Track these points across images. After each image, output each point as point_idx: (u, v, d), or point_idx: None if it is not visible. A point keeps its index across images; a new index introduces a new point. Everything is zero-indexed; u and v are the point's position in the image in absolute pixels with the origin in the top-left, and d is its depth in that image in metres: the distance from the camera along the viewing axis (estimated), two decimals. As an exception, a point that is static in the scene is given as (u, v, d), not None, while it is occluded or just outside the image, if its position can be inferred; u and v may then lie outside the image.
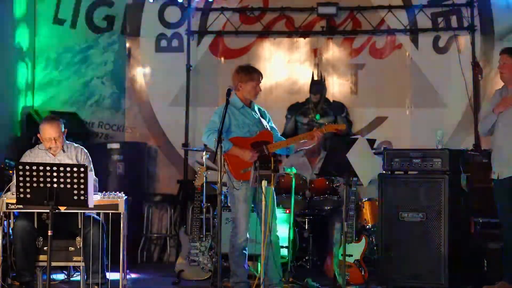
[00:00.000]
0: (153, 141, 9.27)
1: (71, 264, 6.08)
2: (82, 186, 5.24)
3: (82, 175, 5.24)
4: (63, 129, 6.19)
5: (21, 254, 5.88)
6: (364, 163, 5.85)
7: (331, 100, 8.93)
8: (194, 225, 7.23)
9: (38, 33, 9.24)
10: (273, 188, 5.94)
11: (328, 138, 7.42)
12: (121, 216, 5.75)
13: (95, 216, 5.95)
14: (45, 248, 5.76)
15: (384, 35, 8.97)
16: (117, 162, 8.61)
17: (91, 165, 6.17)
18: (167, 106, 9.29)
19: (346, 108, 8.86)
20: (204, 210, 7.44)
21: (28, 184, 5.22)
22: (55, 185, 5.21)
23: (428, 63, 8.86)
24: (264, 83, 6.29)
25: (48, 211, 5.28)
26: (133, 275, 7.40)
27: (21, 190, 5.25)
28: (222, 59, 9.24)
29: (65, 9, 9.26)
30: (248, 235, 6.11)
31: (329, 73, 9.07)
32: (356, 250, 6.78)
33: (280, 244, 6.35)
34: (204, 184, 7.31)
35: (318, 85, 8.90)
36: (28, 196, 5.25)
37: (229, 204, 6.30)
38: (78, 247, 5.90)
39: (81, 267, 5.97)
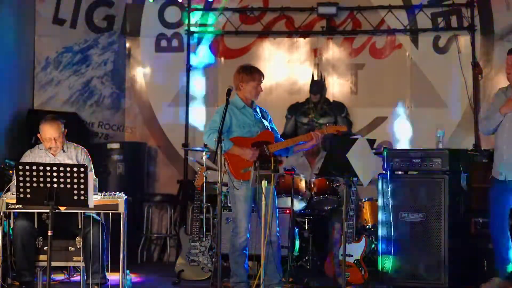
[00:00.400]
0: (153, 141, 9.28)
1: (71, 264, 6.07)
2: (82, 186, 5.24)
3: (82, 175, 5.24)
4: (63, 129, 6.19)
5: (21, 254, 5.87)
6: (364, 163, 5.85)
7: (331, 100, 8.93)
8: (194, 225, 7.23)
9: (38, 33, 9.24)
10: (274, 189, 5.94)
11: (328, 138, 7.41)
12: (121, 216, 5.75)
13: (95, 216, 5.95)
14: (45, 248, 5.76)
15: (384, 35, 8.97)
16: (117, 162, 8.62)
17: (91, 165, 6.17)
18: (167, 106, 9.29)
19: (346, 108, 8.86)
20: (204, 210, 7.44)
21: (28, 184, 5.22)
22: (55, 185, 5.21)
23: (428, 63, 8.86)
24: (264, 83, 6.28)
25: (48, 211, 5.28)
26: (133, 275, 7.39)
27: (21, 190, 5.25)
28: (222, 59, 9.24)
29: (65, 9, 9.26)
30: (248, 235, 6.11)
31: (329, 73, 9.08)
32: (356, 250, 6.78)
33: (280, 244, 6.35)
34: (204, 184, 7.31)
35: (318, 85, 8.90)
36: (28, 196, 5.25)
37: (229, 204, 6.30)
38: (78, 247, 5.90)
39: (81, 267, 5.96)
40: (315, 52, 9.11)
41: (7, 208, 5.66)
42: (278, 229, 6.18)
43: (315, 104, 8.80)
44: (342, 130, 6.33)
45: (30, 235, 5.87)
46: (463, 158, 6.74)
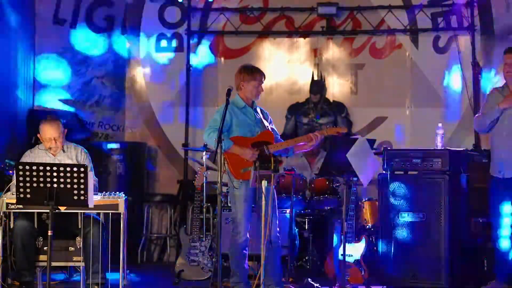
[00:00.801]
0: (153, 141, 9.28)
1: (71, 264, 6.07)
2: (82, 186, 5.24)
3: (82, 175, 5.24)
4: (63, 129, 6.19)
5: (21, 254, 5.87)
6: (364, 163, 5.85)
7: (331, 100, 8.93)
8: (194, 225, 7.23)
9: (38, 33, 9.24)
10: (274, 189, 5.94)
11: (328, 138, 7.41)
12: (121, 216, 5.75)
13: (95, 216, 5.95)
14: (45, 248, 5.76)
15: (384, 35, 8.97)
16: (117, 162, 8.62)
17: (91, 165, 6.17)
18: (167, 106, 9.30)
19: (346, 108, 8.86)
20: (204, 210, 7.44)
21: (28, 184, 5.22)
22: (55, 185, 5.21)
23: (428, 63, 8.86)
24: (264, 83, 6.28)
25: (48, 211, 5.28)
26: (133, 275, 7.39)
27: (21, 190, 5.25)
28: (222, 59, 9.24)
29: (65, 9, 9.26)
30: (248, 235, 6.11)
31: (329, 73, 9.08)
32: (356, 250, 6.78)
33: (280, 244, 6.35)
34: (204, 184, 7.31)
35: (318, 85, 8.90)
36: (28, 196, 5.25)
37: (229, 204, 6.30)
38: (78, 247, 5.90)
39: (81, 267, 5.96)
40: (315, 52, 9.11)
41: (7, 208, 5.66)
42: (278, 229, 6.18)
43: (315, 104, 8.80)
44: (342, 131, 6.32)
45: (30, 235, 5.88)
46: (463, 158, 6.73)
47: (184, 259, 7.21)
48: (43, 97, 9.21)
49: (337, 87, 9.06)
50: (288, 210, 7.25)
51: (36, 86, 9.22)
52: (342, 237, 6.12)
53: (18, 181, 5.26)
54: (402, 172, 6.67)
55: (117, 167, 8.60)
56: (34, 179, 5.21)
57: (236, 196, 6.07)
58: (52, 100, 9.21)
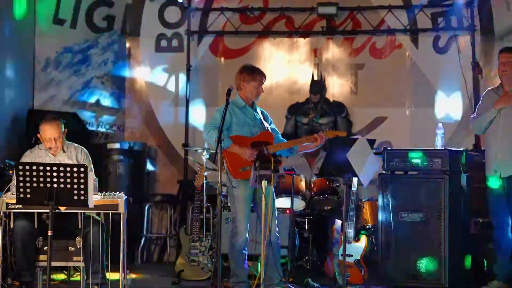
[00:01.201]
0: (153, 141, 9.28)
1: (71, 264, 6.07)
2: (82, 186, 5.24)
3: (82, 175, 5.24)
4: (63, 129, 6.19)
5: (21, 254, 5.87)
6: (364, 163, 5.85)
7: (331, 100, 8.93)
8: (194, 225, 7.23)
9: (38, 33, 9.24)
10: (273, 188, 5.95)
11: (328, 139, 7.42)
12: (121, 216, 5.75)
13: (95, 216, 5.95)
14: (45, 248, 5.76)
15: (384, 35, 8.97)
16: (117, 162, 8.62)
17: (91, 165, 6.17)
18: (167, 106, 9.30)
19: (346, 108, 8.85)
20: (204, 210, 7.44)
21: (28, 184, 5.22)
22: (55, 185, 5.21)
23: (428, 63, 8.86)
24: (264, 83, 6.29)
25: (48, 211, 5.28)
26: (133, 275, 7.39)
27: (21, 190, 5.25)
28: (222, 59, 9.25)
29: (65, 9, 9.26)
30: (247, 235, 6.11)
31: (329, 73, 9.08)
32: (356, 250, 6.78)
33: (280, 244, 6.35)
34: (204, 184, 7.31)
35: (318, 85, 8.89)
36: (28, 196, 5.25)
37: (229, 204, 6.30)
38: (78, 247, 5.90)
39: (81, 267, 5.96)
40: (315, 52, 9.11)
41: (7, 208, 5.65)
42: (277, 229, 6.18)
43: (315, 104, 8.79)
44: (341, 135, 6.30)
45: (30, 235, 5.87)
46: (463, 158, 6.74)
47: (184, 259, 7.21)
48: (43, 97, 9.21)
49: (337, 87, 9.06)
50: (288, 210, 7.25)
51: (36, 86, 9.22)
52: (342, 237, 6.11)
53: (18, 181, 5.26)
54: (402, 172, 6.67)
55: (117, 167, 8.60)
56: (34, 179, 5.21)
57: (235, 196, 6.07)
58: (52, 100, 9.21)
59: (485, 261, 6.81)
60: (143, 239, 8.74)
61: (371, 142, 6.06)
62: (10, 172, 7.14)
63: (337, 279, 6.65)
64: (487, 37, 8.68)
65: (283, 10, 9.08)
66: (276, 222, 6.16)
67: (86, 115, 9.26)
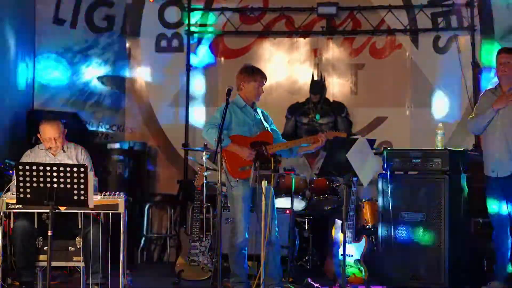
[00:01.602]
0: (153, 141, 9.28)
1: (71, 264, 6.06)
2: (82, 186, 5.24)
3: (82, 175, 5.23)
4: (63, 129, 6.19)
5: (21, 254, 5.87)
6: (364, 163, 5.84)
7: (331, 100, 8.93)
8: (194, 225, 7.23)
9: (38, 33, 9.24)
10: (272, 188, 5.94)
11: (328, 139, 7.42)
12: (121, 216, 5.75)
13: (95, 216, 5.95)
14: (45, 248, 5.76)
15: (384, 35, 8.97)
16: (117, 162, 8.62)
17: (91, 165, 6.17)
18: (167, 106, 9.30)
19: (346, 108, 8.85)
20: (204, 210, 7.44)
21: (28, 184, 5.22)
22: (55, 185, 5.21)
23: (428, 63, 8.86)
24: (265, 84, 6.29)
25: (48, 211, 5.28)
26: (133, 275, 7.38)
27: (21, 190, 5.24)
28: (222, 59, 9.24)
29: (65, 9, 9.26)
30: (247, 235, 6.11)
31: (329, 73, 9.07)
32: (356, 250, 6.78)
33: (280, 244, 6.35)
34: (204, 184, 7.31)
35: (318, 85, 8.89)
36: (28, 196, 5.25)
37: (229, 204, 6.30)
38: (78, 247, 5.90)
39: (81, 267, 5.96)
40: (315, 52, 9.11)
41: (7, 208, 5.65)
42: (277, 229, 6.18)
43: (315, 104, 8.79)
44: (341, 136, 6.30)
45: (30, 235, 5.87)
46: (463, 158, 6.74)
47: (184, 259, 7.21)
48: (43, 97, 9.21)
49: (337, 87, 9.06)
50: (288, 210, 7.24)
51: (36, 86, 9.22)
52: (342, 237, 6.11)
53: (18, 181, 5.25)
54: (402, 172, 6.67)
55: (117, 167, 8.60)
56: (34, 179, 5.20)
57: (234, 196, 6.07)
58: (52, 100, 9.21)
59: (485, 261, 6.80)
60: (143, 239, 8.73)
61: (371, 142, 6.05)
62: (10, 172, 7.14)
63: (337, 279, 6.65)
64: (487, 37, 8.67)
65: (283, 10, 9.08)
66: (276, 222, 6.16)
67: (86, 115, 9.26)
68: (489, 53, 8.55)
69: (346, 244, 6.06)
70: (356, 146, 5.81)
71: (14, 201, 5.49)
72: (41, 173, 5.20)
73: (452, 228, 6.38)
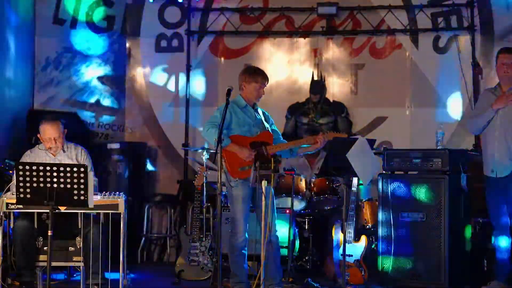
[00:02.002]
0: (153, 141, 9.28)
1: (71, 264, 6.06)
2: (82, 186, 5.24)
3: (82, 175, 5.24)
4: (63, 129, 6.19)
5: (21, 254, 5.88)
6: (364, 163, 5.85)
7: (331, 100, 8.92)
8: (194, 225, 7.23)
9: (38, 33, 9.24)
10: (272, 189, 5.94)
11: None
12: (121, 216, 5.75)
13: (95, 216, 5.95)
14: (45, 248, 5.76)
15: (384, 35, 8.97)
16: (117, 162, 8.62)
17: (91, 165, 6.17)
18: (167, 106, 9.30)
19: (346, 108, 8.85)
20: (204, 210, 7.44)
21: (28, 184, 5.22)
22: (55, 185, 5.21)
23: (428, 63, 8.86)
24: (266, 85, 6.30)
25: (48, 211, 5.28)
26: (133, 275, 7.39)
27: (21, 190, 5.24)
28: (222, 59, 9.24)
29: (65, 9, 9.26)
30: (247, 235, 6.11)
31: (329, 73, 9.07)
32: (356, 250, 6.78)
33: (280, 244, 6.35)
34: (204, 184, 7.31)
35: (318, 85, 8.89)
36: (28, 196, 5.25)
37: (229, 204, 6.30)
38: (78, 247, 5.90)
39: (81, 267, 5.96)
40: (315, 52, 9.11)
41: (7, 208, 5.66)
42: (277, 229, 6.18)
43: (315, 104, 8.79)
44: (343, 137, 6.29)
45: (30, 235, 5.88)
46: (463, 158, 6.74)
47: (184, 259, 7.21)
48: (43, 97, 9.21)
49: (337, 87, 9.06)
50: (288, 210, 7.25)
51: (36, 86, 9.22)
52: (342, 237, 6.11)
53: (18, 181, 5.26)
54: (402, 172, 6.67)
55: (117, 167, 8.60)
56: (34, 179, 5.21)
57: (234, 196, 6.07)
58: (52, 100, 9.21)
59: (485, 261, 6.80)
60: (143, 239, 8.73)
61: (371, 142, 6.05)
62: (10, 172, 7.14)
63: (337, 279, 6.65)
64: (487, 37, 8.67)
65: (283, 10, 9.08)
66: (276, 222, 6.16)
67: (86, 115, 9.26)
68: (489, 53, 8.56)
69: (346, 244, 6.06)
70: (356, 146, 5.81)
71: (14, 201, 5.49)
72: (41, 173, 5.20)
73: (452, 228, 6.38)
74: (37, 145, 6.29)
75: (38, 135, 6.19)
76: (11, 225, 5.90)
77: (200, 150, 7.72)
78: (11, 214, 5.83)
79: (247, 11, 9.15)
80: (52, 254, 5.31)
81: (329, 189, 7.66)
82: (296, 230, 7.44)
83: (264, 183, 5.73)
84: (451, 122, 8.67)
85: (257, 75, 6.22)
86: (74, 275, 6.75)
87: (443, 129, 6.82)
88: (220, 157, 5.69)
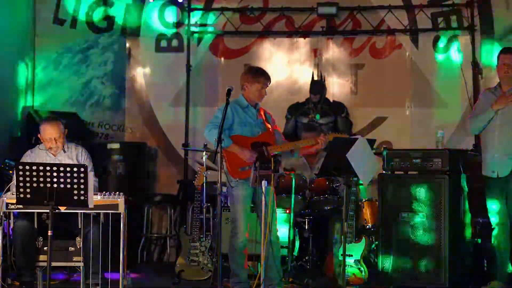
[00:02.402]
0: (153, 141, 9.28)
1: (71, 264, 6.06)
2: (82, 186, 5.23)
3: (82, 175, 5.23)
4: (63, 129, 6.19)
5: (21, 254, 5.87)
6: (364, 163, 5.85)
7: (331, 100, 8.92)
8: (194, 225, 7.23)
9: (38, 33, 9.24)
10: (273, 189, 5.95)
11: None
12: (121, 216, 5.75)
13: (95, 216, 5.95)
14: (45, 248, 5.76)
15: (384, 35, 8.97)
16: (117, 162, 8.61)
17: (92, 165, 6.17)
18: (167, 106, 9.30)
19: (346, 108, 8.84)
20: (204, 210, 7.44)
21: (28, 184, 5.21)
22: (55, 185, 5.21)
23: (428, 63, 8.86)
24: (268, 86, 6.30)
25: (48, 211, 5.28)
26: (133, 275, 7.39)
27: (21, 190, 5.24)
28: (222, 59, 9.24)
29: (65, 9, 9.26)
30: (247, 235, 6.11)
31: (329, 73, 9.07)
32: (356, 250, 6.78)
33: (280, 244, 6.35)
34: (204, 184, 7.31)
35: (318, 85, 8.88)
36: (28, 196, 5.24)
37: (229, 204, 6.30)
38: (78, 247, 5.90)
39: (81, 267, 5.96)
40: (315, 52, 9.11)
41: (7, 208, 5.65)
42: (277, 229, 6.18)
43: (315, 104, 8.78)
44: (342, 137, 6.29)
45: (30, 235, 5.87)
46: (463, 158, 6.74)
47: (184, 259, 7.21)
48: (43, 97, 9.21)
49: (337, 87, 9.06)
50: (288, 210, 7.24)
51: (36, 86, 9.22)
52: (342, 237, 6.11)
53: (18, 181, 5.25)
54: (402, 172, 6.67)
55: (117, 167, 8.60)
56: (34, 179, 5.20)
57: (234, 196, 6.07)
58: (52, 100, 9.21)
59: (485, 261, 6.80)
60: (143, 239, 8.73)
61: (371, 142, 6.06)
62: (10, 172, 7.14)
63: (337, 279, 6.65)
64: (487, 37, 8.68)
65: (283, 10, 9.08)
66: (276, 222, 6.16)
67: (86, 115, 9.26)
68: (489, 53, 8.56)
69: (346, 244, 6.06)
70: (356, 146, 5.81)
71: (14, 201, 5.48)
72: (41, 173, 5.19)
73: (452, 228, 6.38)
74: (38, 145, 6.28)
75: (38, 135, 6.19)
76: (11, 225, 5.89)
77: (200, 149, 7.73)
78: (11, 214, 5.83)
79: (247, 11, 9.15)
80: (52, 254, 5.30)
81: (329, 189, 7.66)
82: (296, 230, 7.44)
83: (264, 183, 5.72)
84: (451, 122, 8.67)
85: (260, 75, 6.23)
86: (74, 275, 6.74)
87: (443, 129, 6.82)
88: (220, 157, 5.70)
